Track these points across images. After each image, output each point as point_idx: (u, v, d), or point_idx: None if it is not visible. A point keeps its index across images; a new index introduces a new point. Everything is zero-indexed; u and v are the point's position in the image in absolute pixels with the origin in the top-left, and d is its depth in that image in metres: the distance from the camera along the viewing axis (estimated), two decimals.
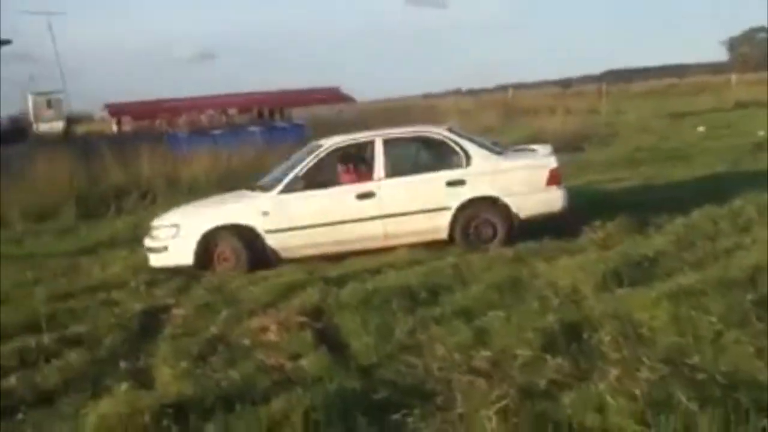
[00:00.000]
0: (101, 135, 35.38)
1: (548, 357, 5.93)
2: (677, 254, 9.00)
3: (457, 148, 11.05)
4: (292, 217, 10.62)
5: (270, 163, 19.35)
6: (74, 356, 6.99)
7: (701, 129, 27.09)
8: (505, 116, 35.88)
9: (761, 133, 24.56)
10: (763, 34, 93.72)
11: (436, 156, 11.31)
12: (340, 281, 8.82)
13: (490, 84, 78.57)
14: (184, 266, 10.44)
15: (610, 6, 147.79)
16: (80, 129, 46.39)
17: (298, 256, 10.50)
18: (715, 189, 13.54)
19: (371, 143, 11.14)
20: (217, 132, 29.29)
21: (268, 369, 6.30)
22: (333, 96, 41.79)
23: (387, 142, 11.06)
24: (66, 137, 38.15)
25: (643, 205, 12.18)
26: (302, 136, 28.11)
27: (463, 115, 35.59)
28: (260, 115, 38.15)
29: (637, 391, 4.93)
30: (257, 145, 22.88)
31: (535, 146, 12.37)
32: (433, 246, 10.63)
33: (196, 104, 38.96)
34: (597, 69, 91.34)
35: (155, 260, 10.68)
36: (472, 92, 74.29)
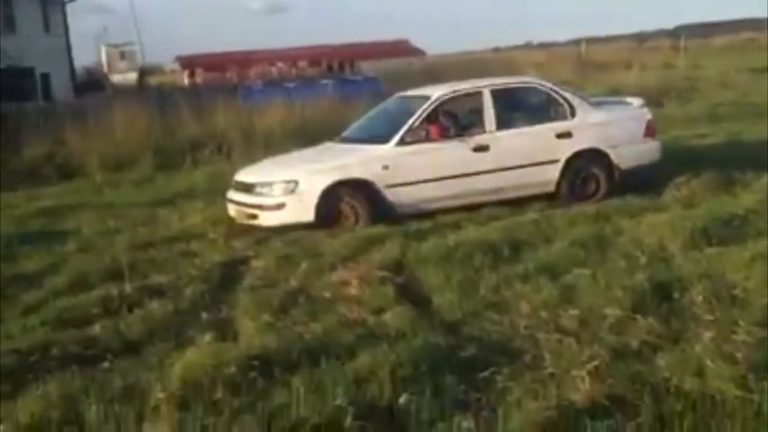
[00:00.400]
0: (174, 86, 35.71)
1: (638, 317, 5.77)
2: (766, 213, 8.71)
3: (561, 100, 10.96)
4: (411, 170, 10.27)
5: (345, 115, 19.35)
6: (156, 306, 6.98)
7: None
8: (580, 70, 35.20)
9: None
10: None
11: (542, 107, 11.14)
12: (420, 236, 8.71)
13: (561, 38, 77.29)
14: (303, 223, 9.91)
15: None
16: (152, 81, 46.90)
17: (416, 211, 10.21)
18: None
19: (479, 94, 10.85)
20: (290, 84, 29.29)
21: (350, 323, 6.23)
22: (403, 49, 41.56)
23: (494, 93, 10.83)
24: (140, 88, 38.61)
25: (728, 162, 11.78)
26: (375, 88, 27.95)
27: (538, 68, 35.01)
28: (330, 68, 38.12)
29: (739, 355, 4.75)
30: (330, 98, 22.80)
31: (628, 98, 12.24)
32: (511, 202, 10.46)
33: (266, 57, 39.07)
34: (670, 23, 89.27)
35: (269, 219, 10.05)
36: (543, 45, 73.16)
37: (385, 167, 10.19)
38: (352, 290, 7.04)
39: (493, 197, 10.48)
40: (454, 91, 11.01)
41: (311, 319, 6.35)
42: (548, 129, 10.78)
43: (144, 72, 47.25)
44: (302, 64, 39.28)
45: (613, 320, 5.77)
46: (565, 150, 10.73)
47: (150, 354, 5.94)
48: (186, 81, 38.83)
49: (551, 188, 10.70)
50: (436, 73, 37.46)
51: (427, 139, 10.47)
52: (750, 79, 28.28)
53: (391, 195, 10.18)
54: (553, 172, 10.68)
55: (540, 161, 10.65)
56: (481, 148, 10.51)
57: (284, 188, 10.08)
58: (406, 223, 9.59)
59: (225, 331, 6.33)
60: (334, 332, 5.97)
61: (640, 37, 70.41)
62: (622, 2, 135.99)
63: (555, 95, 11.03)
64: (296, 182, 10.08)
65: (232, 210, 10.59)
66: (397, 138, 10.40)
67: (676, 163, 11.66)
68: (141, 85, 41.85)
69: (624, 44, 61.59)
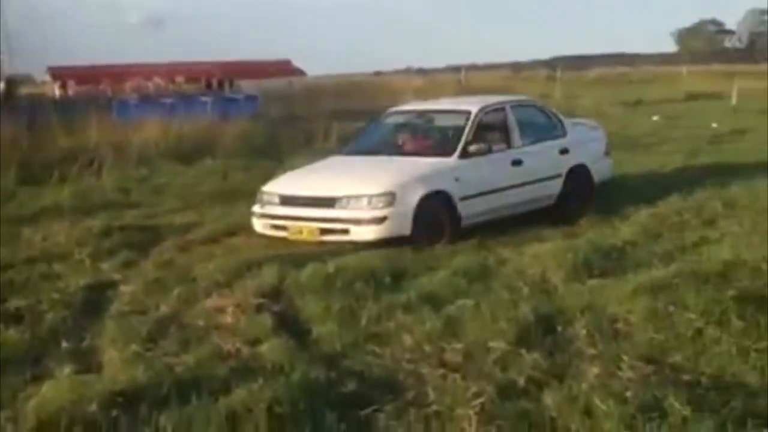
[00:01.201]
0: (44, 98, 34.38)
1: (523, 351, 5.61)
2: (646, 245, 8.77)
3: (555, 120, 11.86)
4: (474, 183, 10.30)
5: (224, 133, 18.94)
6: (12, 333, 6.50)
7: (656, 118, 27.09)
8: (461, 96, 35.53)
9: (714, 125, 24.62)
10: (711, 27, 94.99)
11: (545, 125, 11.77)
12: (299, 262, 8.37)
13: (440, 64, 78.20)
14: (400, 237, 9.53)
15: None
16: (22, 92, 45.18)
17: (471, 224, 10.10)
18: (677, 179, 13.44)
19: (503, 110, 11.29)
20: (167, 100, 28.52)
21: (224, 355, 5.89)
22: (284, 69, 41.18)
23: (512, 109, 11.38)
24: (7, 99, 37.06)
25: (608, 194, 11.95)
26: (256, 108, 27.58)
27: (419, 93, 35.20)
28: (209, 85, 37.39)
29: (628, 393, 4.63)
30: (209, 116, 22.33)
31: (583, 120, 13.69)
32: None
33: (142, 71, 38.03)
34: (546, 54, 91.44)
35: (365, 233, 9.53)
36: (422, 71, 73.84)
37: (457, 180, 10.18)
38: (228, 318, 6.71)
39: (521, 210, 10.89)
40: (487, 106, 11.31)
41: (183, 350, 5.99)
42: (555, 145, 11.50)
43: (11, 82, 45.45)
44: (180, 79, 38.43)
45: (498, 354, 5.60)
46: (565, 165, 11.45)
47: (2, 388, 5.44)
48: (57, 93, 37.50)
49: (554, 201, 11.31)
50: (316, 94, 37.35)
51: (479, 152, 10.56)
52: (624, 112, 29.07)
53: (461, 208, 10.10)
54: (558, 186, 11.34)
55: (553, 175, 11.31)
56: (517, 162, 10.89)
57: (385, 201, 9.65)
58: (280, 248, 9.30)
59: (88, 362, 5.93)
60: (207, 364, 5.63)
61: (517, 67, 71.95)
62: (500, 32, 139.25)
63: (550, 114, 11.97)
64: (393, 195, 9.69)
65: (271, 227, 10.09)
66: (459, 151, 10.45)
67: None
68: (8, 96, 40.21)
69: (501, 73, 62.78)
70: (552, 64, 71.41)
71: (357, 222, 9.62)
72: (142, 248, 9.72)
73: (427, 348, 5.81)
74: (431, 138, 11.18)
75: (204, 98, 28.83)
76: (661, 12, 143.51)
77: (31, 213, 12.41)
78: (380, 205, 9.64)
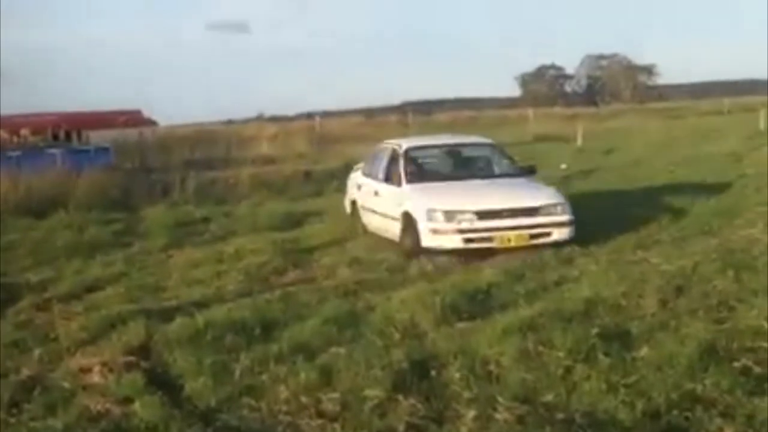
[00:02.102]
0: None
1: (400, 397, 5.66)
2: (509, 286, 8.98)
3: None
4: None
5: (76, 185, 18.40)
6: None
7: None
8: (316, 143, 35.73)
9: (563, 166, 25.52)
10: (552, 72, 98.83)
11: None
12: (165, 316, 8.20)
13: (291, 112, 78.36)
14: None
15: (404, 38, 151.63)
16: None
17: None
18: None
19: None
20: (13, 153, 27.52)
21: (94, 416, 5.71)
22: (135, 119, 40.35)
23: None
24: None
25: None
26: (108, 159, 26.93)
27: (273, 140, 35.28)
28: (55, 136, 36.28)
29: None
30: (59, 168, 21.69)
31: None
32: (258, 277, 10.29)
33: None
34: (396, 99, 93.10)
35: (561, 234, 11.46)
36: (274, 119, 73.83)
37: None
38: (95, 378, 6.50)
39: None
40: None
41: (49, 413, 5.77)
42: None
43: None
44: (25, 132, 37.19)
45: (375, 402, 5.63)
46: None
47: None
48: None
49: None
50: (169, 144, 36.81)
51: None
52: None
53: None
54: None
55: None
56: None
57: (565, 208, 11.69)
58: (145, 302, 9.11)
59: None
60: (77, 428, 5.44)
61: (369, 112, 72.81)
62: (351, 79, 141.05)
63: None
64: (565, 203, 11.77)
65: (466, 240, 11.16)
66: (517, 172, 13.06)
67: None
68: None
69: (354, 119, 63.39)
70: (402, 109, 72.65)
71: (559, 225, 11.51)
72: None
73: (303, 399, 5.79)
74: (474, 165, 13.38)
75: (51, 150, 27.96)
76: (503, 57, 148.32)
77: None
78: (566, 211, 11.65)
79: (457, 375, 6.06)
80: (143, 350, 7.12)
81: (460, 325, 7.45)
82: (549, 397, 5.59)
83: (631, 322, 7.19)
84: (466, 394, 5.73)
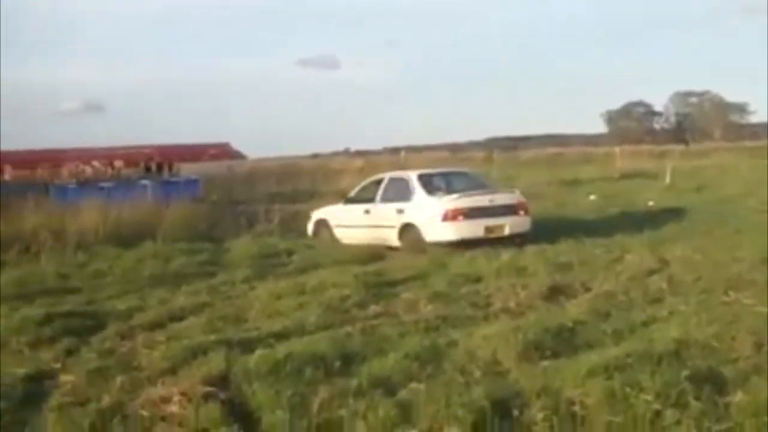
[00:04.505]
0: None
1: None
2: (595, 325, 8.75)
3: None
4: None
5: (164, 216, 18.71)
6: None
7: (593, 197, 27.47)
8: None
9: (651, 203, 25.06)
10: (640, 109, 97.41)
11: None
12: (246, 346, 8.18)
13: (377, 146, 78.95)
14: None
15: (490, 74, 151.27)
16: None
17: None
18: (621, 257, 13.64)
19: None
20: (106, 184, 28.19)
21: None
22: (223, 152, 41.03)
23: None
24: None
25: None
26: (197, 191, 27.36)
27: (359, 174, 35.38)
28: (148, 169, 37.07)
29: None
30: (148, 199, 22.11)
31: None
32: (339, 309, 10.24)
33: (80, 155, 37.64)
34: (481, 135, 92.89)
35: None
36: (359, 153, 74.41)
37: None
38: (174, 408, 6.47)
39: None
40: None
41: None
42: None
43: None
44: (119, 164, 38.09)
45: None
46: None
47: None
48: None
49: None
50: (256, 177, 37.31)
51: None
52: (561, 191, 29.42)
53: None
54: None
55: None
56: None
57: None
58: (227, 332, 9.12)
59: None
60: None
61: (453, 148, 72.80)
62: (437, 114, 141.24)
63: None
64: None
65: None
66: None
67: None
68: None
69: (439, 154, 63.43)
70: (487, 145, 72.56)
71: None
72: (83, 335, 9.42)
73: None
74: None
75: (143, 182, 28.58)
76: (590, 94, 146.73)
77: None
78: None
79: (540, 415, 5.87)
80: (222, 381, 7.07)
81: (544, 363, 7.26)
82: None
83: (724, 365, 6.91)
84: None
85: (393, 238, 16.96)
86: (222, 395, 6.68)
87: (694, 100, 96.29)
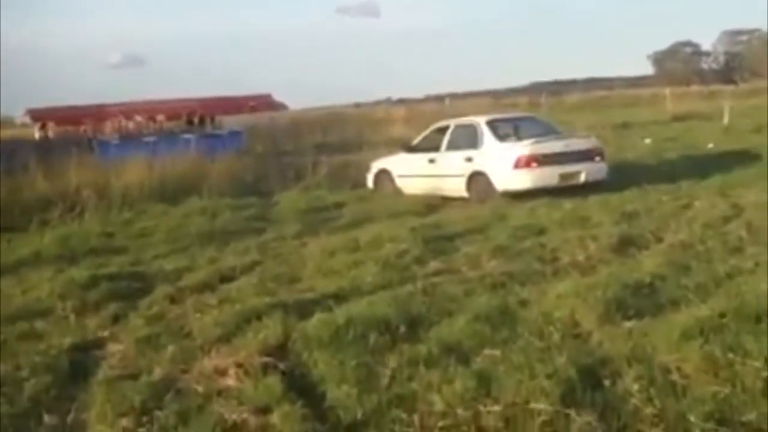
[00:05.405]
0: (22, 141, 33.60)
1: (571, 412, 4.93)
2: (675, 279, 8.10)
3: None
4: None
5: (209, 170, 18.28)
6: None
7: (648, 141, 26.56)
8: None
9: (710, 145, 24.14)
10: (687, 49, 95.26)
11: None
12: (303, 310, 7.62)
13: (419, 94, 78.00)
14: None
15: (530, 18, 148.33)
16: (1, 134, 44.39)
17: None
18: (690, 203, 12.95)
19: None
20: (150, 139, 27.82)
21: (229, 428, 5.18)
22: (265, 103, 40.56)
23: None
24: None
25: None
26: (240, 143, 26.90)
27: (404, 123, 34.75)
28: (190, 122, 36.70)
29: None
30: (192, 153, 21.66)
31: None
32: (398, 267, 9.66)
33: (123, 110, 37.34)
34: (522, 81, 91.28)
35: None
36: (401, 101, 73.63)
37: None
38: (230, 381, 5.98)
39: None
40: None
41: (182, 423, 5.26)
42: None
43: None
44: (161, 118, 37.75)
45: (543, 417, 4.91)
46: None
47: None
48: (37, 135, 36.72)
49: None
50: (300, 128, 36.75)
51: None
52: (616, 135, 28.44)
53: None
54: None
55: None
56: None
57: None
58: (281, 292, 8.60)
59: None
60: None
61: (496, 94, 71.66)
62: (478, 60, 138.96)
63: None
64: None
65: None
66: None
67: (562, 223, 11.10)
68: None
69: (482, 100, 62.37)
70: (530, 90, 71.38)
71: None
72: (131, 299, 8.96)
73: (460, 412, 5.10)
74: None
75: (186, 136, 28.15)
76: (635, 35, 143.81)
77: (10, 263, 11.56)
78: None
79: (635, 386, 5.27)
80: (281, 350, 6.54)
81: (628, 324, 6.65)
82: (751, 417, 4.76)
83: None
84: (649, 410, 4.95)
85: (461, 188, 16.16)
86: (281, 366, 6.16)
87: (743, 38, 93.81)
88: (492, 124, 16.54)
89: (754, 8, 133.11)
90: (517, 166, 15.41)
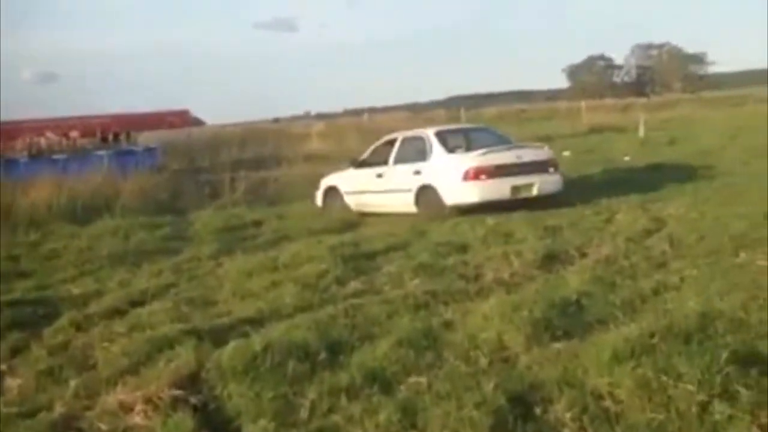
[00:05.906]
0: None
1: None
2: (602, 296, 7.91)
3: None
4: None
5: (122, 188, 17.70)
6: None
7: (567, 153, 26.69)
8: (367, 139, 34.78)
9: (626, 158, 24.37)
10: (601, 63, 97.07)
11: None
12: (218, 337, 7.22)
13: (338, 108, 77.94)
14: None
15: (449, 33, 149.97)
16: None
17: None
18: (611, 217, 12.88)
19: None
20: (60, 156, 26.93)
21: None
22: (182, 119, 39.81)
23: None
24: None
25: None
26: (155, 160, 26.26)
27: (323, 138, 34.44)
28: (104, 138, 35.75)
29: None
30: (105, 171, 20.99)
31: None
32: (317, 288, 9.30)
33: (34, 127, 36.23)
34: (441, 95, 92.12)
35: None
36: (320, 116, 73.47)
37: None
38: (136, 418, 5.56)
39: None
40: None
41: None
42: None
43: None
44: (74, 134, 36.72)
45: None
46: None
47: None
48: None
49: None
50: (217, 144, 36.14)
51: None
52: None
53: None
54: None
55: None
56: None
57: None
58: (194, 316, 8.17)
59: None
60: None
61: (415, 108, 71.88)
62: (396, 75, 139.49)
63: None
64: None
65: None
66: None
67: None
68: None
69: (401, 114, 62.36)
70: (449, 104, 71.81)
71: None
72: (34, 328, 8.43)
73: None
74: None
75: (100, 153, 27.35)
76: (550, 49, 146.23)
77: None
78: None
79: (568, 415, 5.02)
80: (193, 381, 6.13)
81: (556, 345, 6.40)
82: None
83: (761, 340, 6.09)
84: None
85: (410, 203, 15.73)
86: (193, 400, 5.76)
87: (653, 52, 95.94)
88: (441, 136, 16.11)
89: (663, 22, 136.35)
90: (466, 178, 14.95)
